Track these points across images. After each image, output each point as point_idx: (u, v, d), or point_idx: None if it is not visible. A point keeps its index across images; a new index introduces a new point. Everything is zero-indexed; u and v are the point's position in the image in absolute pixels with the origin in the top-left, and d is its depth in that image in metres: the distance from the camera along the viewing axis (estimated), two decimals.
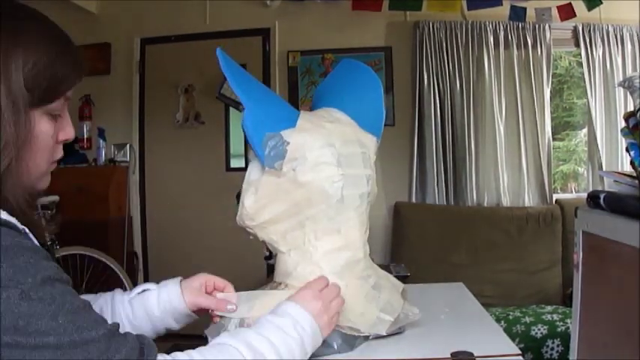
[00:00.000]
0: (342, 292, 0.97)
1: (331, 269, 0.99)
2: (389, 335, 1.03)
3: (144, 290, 0.96)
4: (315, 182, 0.96)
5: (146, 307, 0.94)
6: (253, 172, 0.99)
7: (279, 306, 0.86)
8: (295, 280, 0.99)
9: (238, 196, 1.01)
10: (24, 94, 0.64)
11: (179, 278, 0.98)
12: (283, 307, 0.85)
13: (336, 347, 0.97)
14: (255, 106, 0.96)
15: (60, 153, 0.74)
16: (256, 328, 0.80)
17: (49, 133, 0.69)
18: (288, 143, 0.95)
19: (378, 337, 1.02)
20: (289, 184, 0.96)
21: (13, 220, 0.62)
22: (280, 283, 1.02)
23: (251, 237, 1.03)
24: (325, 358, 0.96)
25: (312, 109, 1.13)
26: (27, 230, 0.65)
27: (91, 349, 0.58)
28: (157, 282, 0.99)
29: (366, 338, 1.02)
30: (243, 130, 0.95)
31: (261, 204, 0.97)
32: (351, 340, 0.99)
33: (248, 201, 0.98)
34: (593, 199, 1.24)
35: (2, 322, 0.54)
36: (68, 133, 0.74)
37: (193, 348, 0.75)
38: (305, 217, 0.98)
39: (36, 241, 0.67)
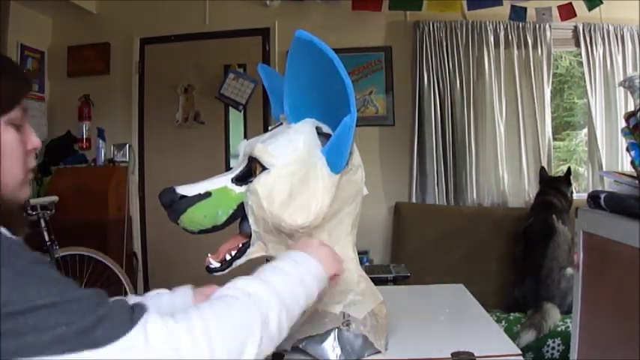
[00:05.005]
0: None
1: (357, 260, 1.03)
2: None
3: (158, 294, 1.01)
4: (359, 180, 1.01)
5: (158, 306, 0.96)
6: (326, 171, 0.95)
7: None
8: None
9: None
10: None
11: (191, 285, 1.04)
12: (285, 253, 0.89)
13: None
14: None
15: (33, 162, 0.83)
16: (257, 273, 0.81)
17: (15, 140, 0.78)
18: None
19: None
20: (346, 181, 0.97)
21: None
22: None
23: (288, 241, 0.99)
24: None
25: (288, 110, 1.03)
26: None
27: (83, 302, 0.64)
28: (159, 283, 0.99)
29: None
30: (348, 134, 0.90)
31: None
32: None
33: (328, 200, 0.94)
34: (593, 199, 1.24)
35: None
36: (34, 142, 0.82)
37: None
38: (345, 212, 0.99)
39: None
